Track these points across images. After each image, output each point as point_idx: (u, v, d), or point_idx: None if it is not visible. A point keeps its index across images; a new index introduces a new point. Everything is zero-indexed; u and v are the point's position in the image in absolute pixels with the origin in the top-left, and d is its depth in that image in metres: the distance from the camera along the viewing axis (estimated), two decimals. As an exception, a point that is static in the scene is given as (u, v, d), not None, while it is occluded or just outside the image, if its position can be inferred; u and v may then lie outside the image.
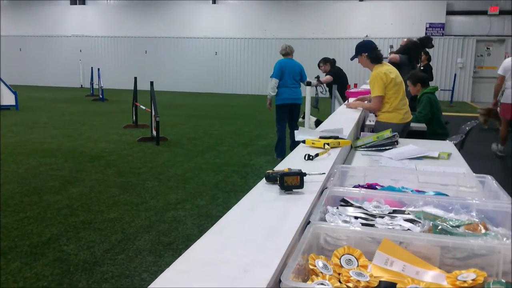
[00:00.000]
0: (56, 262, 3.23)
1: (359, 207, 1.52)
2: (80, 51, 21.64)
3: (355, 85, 9.50)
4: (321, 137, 2.29)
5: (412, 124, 4.37)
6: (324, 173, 1.71)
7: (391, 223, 1.40)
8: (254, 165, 6.36)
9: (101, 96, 15.38)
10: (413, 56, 6.18)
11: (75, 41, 21.84)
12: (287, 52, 6.64)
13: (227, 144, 7.92)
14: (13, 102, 12.31)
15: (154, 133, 7.79)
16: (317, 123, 5.51)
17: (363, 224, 1.39)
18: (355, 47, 4.11)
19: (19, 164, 6.21)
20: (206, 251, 1.09)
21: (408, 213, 1.47)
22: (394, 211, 1.49)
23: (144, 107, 8.84)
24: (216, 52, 19.42)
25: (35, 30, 22.30)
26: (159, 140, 7.67)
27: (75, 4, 22.24)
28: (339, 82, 7.79)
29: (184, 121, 10.64)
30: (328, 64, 8.57)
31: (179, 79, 20.10)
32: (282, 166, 1.79)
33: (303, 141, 2.29)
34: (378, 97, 3.98)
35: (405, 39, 6.73)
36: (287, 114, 6.68)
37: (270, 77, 6.51)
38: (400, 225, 1.38)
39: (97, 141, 8.00)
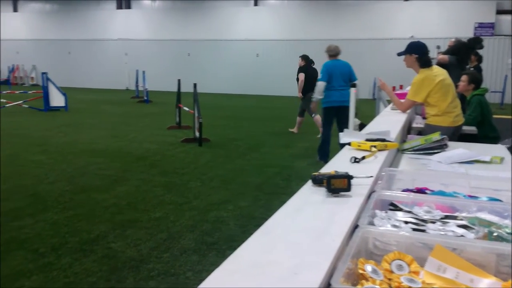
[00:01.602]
0: (104, 259, 3.33)
1: (409, 212, 1.49)
2: (126, 54, 22.28)
3: (401, 87, 9.30)
4: (367, 140, 2.26)
5: (463, 127, 4.23)
6: (372, 176, 1.68)
7: (443, 228, 1.36)
8: (296, 167, 6.33)
9: (146, 98, 15.76)
10: (463, 57, 5.97)
11: (121, 44, 22.51)
12: (337, 53, 6.45)
13: (268, 145, 7.94)
14: (63, 104, 12.81)
15: (197, 134, 7.90)
16: (361, 126, 5.42)
17: (413, 229, 1.36)
18: (407, 45, 4.02)
19: (69, 163, 6.45)
20: (254, 252, 1.10)
21: (461, 219, 1.42)
22: (446, 217, 1.45)
23: (187, 109, 9.00)
24: (257, 54, 19.52)
25: (83, 34, 23.14)
26: (201, 141, 7.78)
27: (121, 8, 22.94)
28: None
29: (225, 123, 10.75)
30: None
31: (221, 81, 20.32)
32: (328, 168, 1.77)
33: (349, 144, 2.26)
34: (411, 101, 3.90)
35: (453, 40, 6.51)
36: (335, 117, 6.43)
37: (318, 80, 6.35)
38: (453, 231, 1.34)
39: (142, 141, 8.21)
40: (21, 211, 4.35)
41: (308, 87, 8.59)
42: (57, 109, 12.72)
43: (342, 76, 6.32)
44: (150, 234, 3.83)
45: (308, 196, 1.54)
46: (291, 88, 20.34)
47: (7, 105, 12.57)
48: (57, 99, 12.80)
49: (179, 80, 9.93)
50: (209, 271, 3.20)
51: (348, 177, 1.52)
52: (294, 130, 9.47)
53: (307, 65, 8.94)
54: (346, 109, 6.08)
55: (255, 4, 20.31)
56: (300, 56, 9.16)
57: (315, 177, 1.62)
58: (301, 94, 8.83)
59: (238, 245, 3.64)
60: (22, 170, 6.00)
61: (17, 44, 24.45)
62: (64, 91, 13.06)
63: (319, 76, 6.41)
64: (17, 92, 14.09)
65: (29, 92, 14.02)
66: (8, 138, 8.31)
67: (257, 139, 8.64)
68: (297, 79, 8.92)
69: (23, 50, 24.33)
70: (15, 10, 25.30)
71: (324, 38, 18.12)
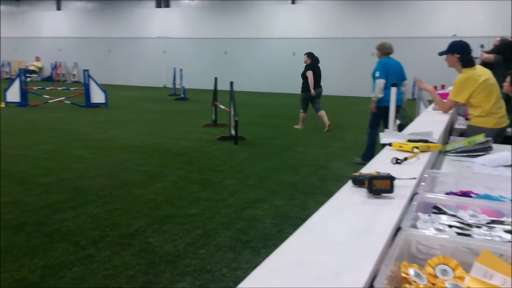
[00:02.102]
0: (142, 253, 3.41)
1: (453, 216, 1.45)
2: (164, 52, 22.64)
3: (442, 86, 9.08)
4: (409, 140, 2.21)
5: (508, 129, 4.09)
6: (415, 178, 1.65)
7: (490, 233, 1.32)
8: (332, 167, 6.28)
9: (182, 96, 15.98)
10: (509, 57, 5.76)
11: (159, 42, 22.89)
12: (392, 51, 6.31)
13: (303, 144, 7.90)
14: (103, 100, 13.15)
15: (233, 132, 7.95)
16: (401, 127, 5.31)
17: (458, 234, 1.32)
18: (449, 44, 3.92)
19: (109, 158, 6.63)
20: (296, 251, 1.10)
21: (508, 224, 1.37)
22: (492, 221, 1.40)
23: (223, 107, 9.06)
24: (294, 53, 19.42)
25: (123, 32, 23.67)
26: (237, 139, 7.83)
27: (160, 7, 23.33)
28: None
29: (260, 121, 10.77)
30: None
31: (257, 79, 20.36)
32: (369, 169, 1.75)
33: (389, 144, 2.22)
34: (453, 101, 3.79)
35: (498, 38, 6.29)
36: (383, 117, 6.21)
37: (376, 78, 6.12)
38: (500, 236, 1.30)
39: (178, 138, 8.33)
40: (63, 204, 4.50)
41: (313, 84, 9.23)
42: (97, 105, 13.07)
43: (395, 74, 6.17)
44: (187, 230, 3.89)
45: (349, 196, 1.52)
46: (330, 86, 20.19)
47: (50, 101, 13.02)
48: (97, 96, 13.15)
49: (215, 78, 10.01)
50: (244, 269, 3.23)
51: (391, 178, 1.49)
52: (299, 126, 9.66)
53: (312, 63, 9.46)
54: (398, 108, 5.99)
55: (293, 2, 20.23)
56: (305, 54, 9.64)
57: (355, 177, 1.60)
58: (313, 91, 9.23)
59: (274, 244, 3.66)
60: (65, 164, 6.20)
61: (60, 41, 25.27)
62: (104, 88, 13.40)
63: (377, 74, 6.16)
64: (59, 88, 14.59)
65: (71, 88, 14.48)
66: (51, 133, 8.62)
67: (292, 137, 8.61)
68: (302, 77, 9.43)
69: (65, 47, 25.11)
70: (59, 8, 26.14)
71: (362, 36, 17.93)
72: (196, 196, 4.87)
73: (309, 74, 9.29)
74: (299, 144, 7.94)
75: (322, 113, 9.49)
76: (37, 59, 25.57)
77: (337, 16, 19.00)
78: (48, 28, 25.70)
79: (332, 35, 18.98)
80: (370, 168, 1.73)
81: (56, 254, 3.36)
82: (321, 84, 9.60)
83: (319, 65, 9.67)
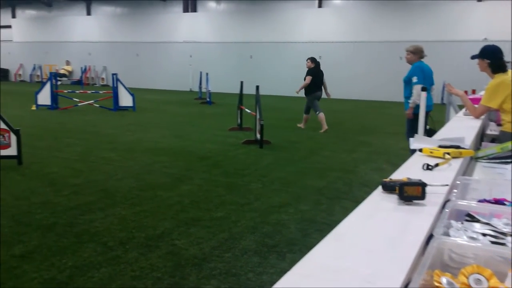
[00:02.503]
0: (168, 255, 3.44)
1: (487, 224, 1.41)
2: (190, 56, 22.88)
3: (473, 91, 8.89)
4: (440, 146, 2.17)
5: None
6: (447, 185, 1.61)
7: (525, 243, 1.27)
8: (359, 172, 6.21)
9: (208, 99, 16.10)
10: None
11: (186, 46, 23.15)
12: (425, 54, 6.15)
13: (329, 149, 7.84)
14: (130, 104, 13.37)
15: (258, 136, 7.96)
16: (429, 132, 5.19)
17: (492, 242, 1.28)
18: (481, 48, 3.84)
19: (135, 161, 6.72)
20: (325, 257, 1.08)
21: (545, 234, 1.33)
22: (528, 231, 1.36)
23: (249, 111, 9.09)
24: (320, 56, 19.32)
25: (151, 36, 24.05)
26: (262, 143, 7.83)
27: (187, 11, 23.61)
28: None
29: (286, 125, 10.75)
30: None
31: (282, 83, 20.35)
32: (399, 175, 1.72)
33: (420, 150, 2.18)
34: (485, 107, 3.70)
35: None
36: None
37: (415, 83, 5.86)
38: (536, 246, 1.25)
39: (204, 142, 8.39)
40: (92, 205, 4.58)
41: (314, 88, 9.94)
42: (125, 108, 13.29)
43: (428, 79, 6.02)
44: (212, 233, 3.90)
45: (379, 202, 1.50)
46: (355, 90, 20.08)
47: (80, 104, 13.31)
48: (125, 99, 13.38)
49: (241, 82, 10.04)
50: (269, 274, 3.21)
51: (422, 185, 1.46)
52: (302, 125, 10.32)
53: (315, 67, 10.09)
54: (426, 114, 5.83)
55: (319, 6, 20.17)
56: (308, 59, 10.30)
57: (386, 183, 1.57)
58: (299, 91, 10.18)
59: (299, 249, 3.62)
60: (94, 166, 6.32)
61: (89, 46, 25.85)
62: (132, 91, 13.62)
63: (415, 79, 5.88)
64: (89, 92, 14.88)
65: (100, 92, 14.77)
66: (81, 135, 8.80)
67: (318, 142, 8.57)
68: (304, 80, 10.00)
69: (95, 51, 25.68)
70: (89, 13, 26.76)
71: (390, 40, 17.72)
72: (222, 200, 4.89)
73: (308, 79, 9.90)
74: (325, 149, 7.89)
75: (321, 115, 9.94)
76: (67, 63, 26.23)
77: (364, 20, 18.84)
78: (78, 33, 26.34)
79: (358, 39, 18.84)
80: (401, 174, 1.71)
81: (84, 255, 3.42)
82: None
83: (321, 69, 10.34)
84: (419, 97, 5.64)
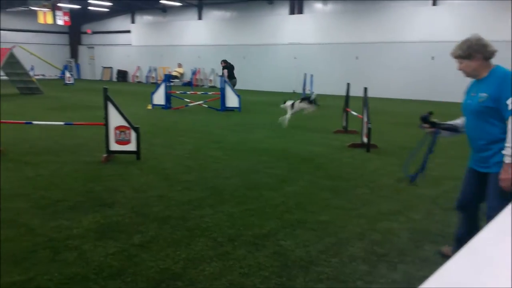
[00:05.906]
0: (275, 255, 3.45)
1: None
2: (295, 58, 22.99)
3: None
4: None
5: None
6: None
7: None
8: (476, 182, 5.73)
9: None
10: None
11: (290, 48, 23.31)
12: None
13: (444, 156, 7.35)
14: (237, 105, 13.79)
15: (365, 139, 7.73)
16: None
17: None
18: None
19: (241, 160, 6.89)
20: (460, 274, 0.99)
21: None
22: None
23: (355, 113, 8.87)
24: (432, 57, 18.31)
25: (257, 39, 24.57)
26: (369, 147, 7.59)
27: (293, 13, 23.76)
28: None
29: (394, 129, 10.33)
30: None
31: (391, 85, 19.63)
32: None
33: None
34: None
35: None
36: None
37: None
38: None
39: (307, 143, 8.35)
40: (202, 201, 4.78)
41: None
42: (231, 109, 13.74)
43: None
44: (319, 236, 3.85)
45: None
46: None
47: (190, 104, 14.03)
48: (232, 100, 13.84)
49: (348, 84, 9.84)
50: (379, 284, 3.06)
51: None
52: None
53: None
54: None
55: (434, 3, 19.08)
56: None
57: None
58: None
59: (411, 260, 3.40)
60: (203, 163, 6.60)
61: (199, 49, 27.15)
62: (238, 93, 14.03)
63: None
64: (198, 93, 15.63)
65: (209, 93, 15.43)
66: (191, 134, 9.26)
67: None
68: None
69: (204, 54, 26.90)
70: (200, 18, 28.11)
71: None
72: (327, 203, 4.81)
73: None
74: (439, 155, 7.40)
75: None
76: (179, 65, 27.80)
77: (484, 17, 17.41)
78: (189, 36, 27.80)
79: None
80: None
81: (196, 248, 3.56)
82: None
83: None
84: None
